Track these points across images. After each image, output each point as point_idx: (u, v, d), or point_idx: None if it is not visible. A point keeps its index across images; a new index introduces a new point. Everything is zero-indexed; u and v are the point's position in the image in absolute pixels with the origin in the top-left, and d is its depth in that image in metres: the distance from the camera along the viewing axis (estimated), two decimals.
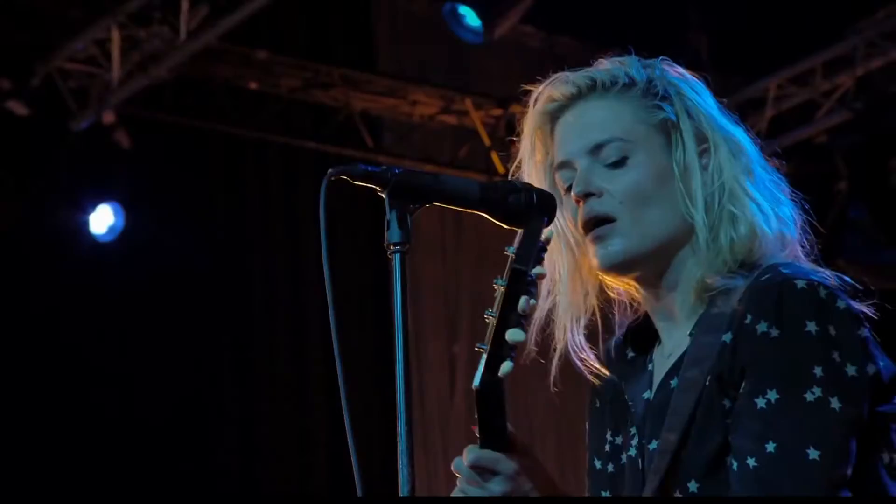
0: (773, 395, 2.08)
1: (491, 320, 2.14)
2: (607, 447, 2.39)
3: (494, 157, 8.32)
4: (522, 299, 2.13)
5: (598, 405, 2.43)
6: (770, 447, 2.06)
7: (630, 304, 2.40)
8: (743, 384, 2.12)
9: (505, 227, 2.24)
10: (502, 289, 2.14)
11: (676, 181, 2.26)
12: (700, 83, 2.36)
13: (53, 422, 7.24)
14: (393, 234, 2.13)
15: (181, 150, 7.76)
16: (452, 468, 2.19)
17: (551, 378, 2.38)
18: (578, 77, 2.32)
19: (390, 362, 2.09)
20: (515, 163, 2.40)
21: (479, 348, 2.14)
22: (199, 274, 7.73)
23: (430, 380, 8.41)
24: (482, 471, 2.16)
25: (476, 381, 2.13)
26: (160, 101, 7.47)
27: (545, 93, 2.35)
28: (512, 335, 2.13)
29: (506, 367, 2.12)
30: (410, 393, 2.07)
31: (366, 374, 7.66)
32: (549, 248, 2.19)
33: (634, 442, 2.30)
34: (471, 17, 7.00)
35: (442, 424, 8.30)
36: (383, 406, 7.20)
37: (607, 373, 2.40)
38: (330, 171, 2.14)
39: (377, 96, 8.21)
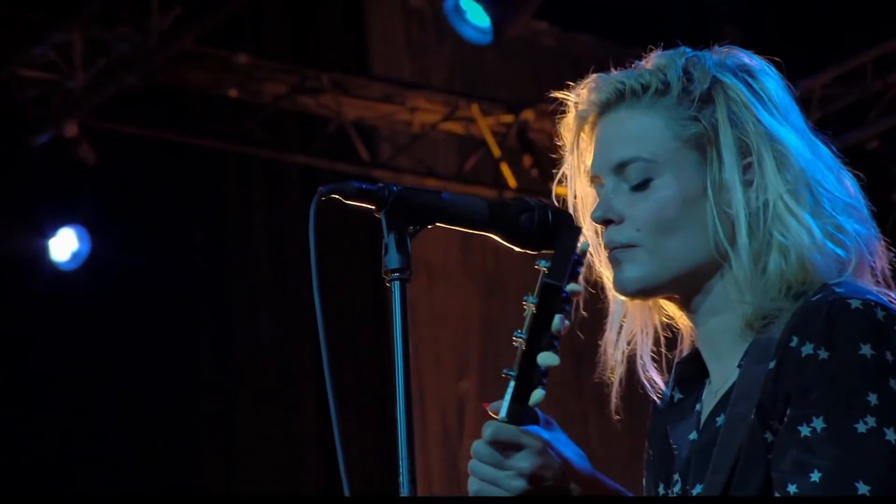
0: (818, 423, 2.08)
1: (520, 342, 2.13)
2: None
3: (505, 169, 8.34)
4: (557, 318, 2.14)
5: (650, 456, 2.45)
6: (814, 476, 2.06)
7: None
8: (787, 412, 2.11)
9: (517, 249, 2.27)
10: (532, 307, 2.14)
11: (710, 202, 2.26)
12: (766, 73, 2.35)
13: (14, 463, 7.28)
14: (391, 259, 2.15)
15: (153, 166, 7.77)
16: (471, 452, 2.15)
17: (612, 406, 2.37)
18: (608, 83, 2.33)
19: (391, 400, 2.11)
20: (558, 176, 2.41)
21: (507, 374, 2.13)
22: (175, 305, 7.74)
23: (435, 420, 8.41)
24: (504, 447, 2.13)
25: (502, 412, 2.12)
26: (129, 111, 7.49)
27: (579, 97, 2.36)
28: (544, 359, 2.13)
29: (536, 395, 2.13)
30: (413, 435, 2.08)
31: (364, 411, 7.67)
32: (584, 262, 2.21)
33: (677, 489, 2.30)
34: (476, 14, 7.02)
35: (448, 470, 8.30)
36: (384, 450, 7.21)
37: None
38: (320, 189, 2.17)
39: (372, 103, 8.23)
